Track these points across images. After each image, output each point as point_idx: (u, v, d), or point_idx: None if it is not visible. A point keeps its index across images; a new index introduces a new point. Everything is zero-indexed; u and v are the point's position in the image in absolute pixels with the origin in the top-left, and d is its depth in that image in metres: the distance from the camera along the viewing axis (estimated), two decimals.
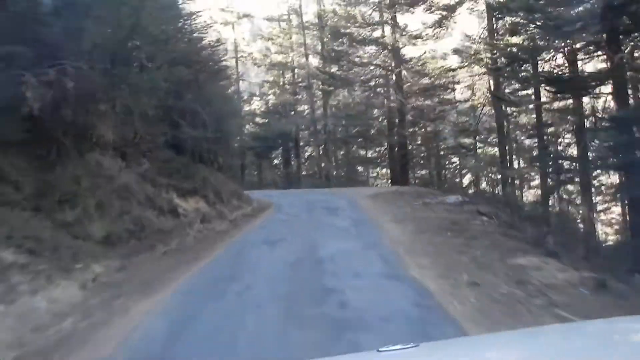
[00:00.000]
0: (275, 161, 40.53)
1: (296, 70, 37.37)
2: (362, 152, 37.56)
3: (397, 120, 29.17)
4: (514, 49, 20.16)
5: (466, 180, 32.92)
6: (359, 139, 33.78)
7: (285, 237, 10.88)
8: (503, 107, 25.65)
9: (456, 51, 27.47)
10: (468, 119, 29.05)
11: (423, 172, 34.90)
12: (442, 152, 32.93)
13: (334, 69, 31.75)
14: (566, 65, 19.93)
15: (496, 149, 28.82)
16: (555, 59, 20.46)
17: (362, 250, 9.16)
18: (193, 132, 14.70)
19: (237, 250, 9.82)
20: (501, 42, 21.63)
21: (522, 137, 27.29)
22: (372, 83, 30.57)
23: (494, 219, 11.77)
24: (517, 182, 27.08)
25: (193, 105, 15.63)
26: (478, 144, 29.96)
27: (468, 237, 10.37)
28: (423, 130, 31.08)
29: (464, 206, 14.48)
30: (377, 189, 24.94)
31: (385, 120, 31.38)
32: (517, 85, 25.03)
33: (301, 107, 38.04)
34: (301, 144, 37.42)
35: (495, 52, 22.05)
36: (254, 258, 8.89)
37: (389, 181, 33.75)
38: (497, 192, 25.02)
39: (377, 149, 35.80)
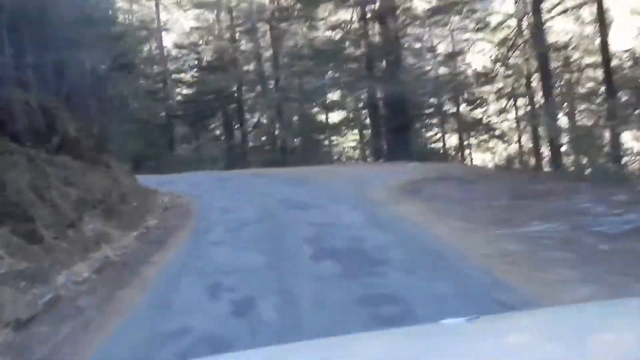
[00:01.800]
0: (217, 132, 31.75)
1: (234, 13, 27.91)
2: (322, 117, 28.55)
3: (384, 61, 19.39)
4: None
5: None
6: (329, 91, 24.08)
7: None
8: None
9: None
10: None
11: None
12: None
13: None
14: None
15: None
16: None
17: None
18: None
19: None
20: None
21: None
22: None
23: None
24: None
25: None
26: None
27: None
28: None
29: None
30: (383, 169, 14.62)
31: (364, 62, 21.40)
32: None
33: (244, 59, 28.61)
34: (246, 108, 28.10)
35: None
36: None
37: (369, 154, 24.86)
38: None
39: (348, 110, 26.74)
